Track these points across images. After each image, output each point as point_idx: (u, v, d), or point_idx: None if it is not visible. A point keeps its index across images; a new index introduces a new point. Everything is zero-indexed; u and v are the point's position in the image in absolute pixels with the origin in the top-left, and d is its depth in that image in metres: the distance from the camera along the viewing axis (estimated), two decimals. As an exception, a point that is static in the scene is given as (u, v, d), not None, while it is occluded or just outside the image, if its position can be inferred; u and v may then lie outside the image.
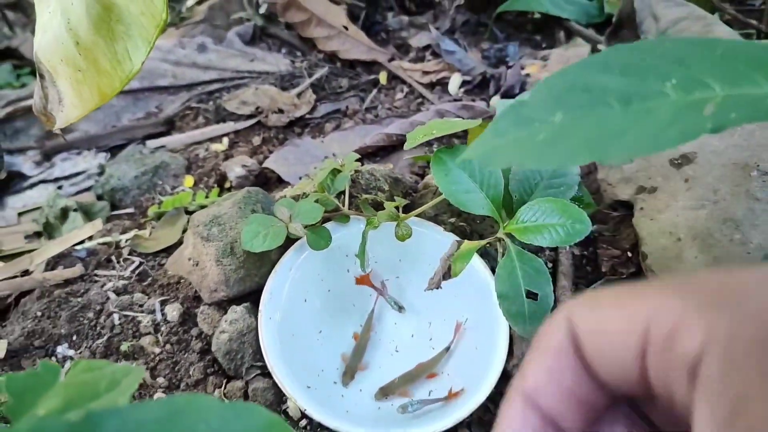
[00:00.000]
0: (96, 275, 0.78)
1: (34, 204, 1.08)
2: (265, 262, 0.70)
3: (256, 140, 1.08)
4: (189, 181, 1.01)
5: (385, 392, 0.67)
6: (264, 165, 1.00)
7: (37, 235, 1.01)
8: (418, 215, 0.74)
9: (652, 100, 0.41)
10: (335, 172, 0.74)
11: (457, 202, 0.65)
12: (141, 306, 0.72)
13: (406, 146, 0.67)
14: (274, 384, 0.63)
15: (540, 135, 0.45)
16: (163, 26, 0.43)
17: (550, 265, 0.74)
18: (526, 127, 0.43)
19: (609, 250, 0.75)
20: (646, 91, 0.41)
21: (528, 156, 0.46)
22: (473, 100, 1.15)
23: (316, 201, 0.71)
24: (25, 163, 1.18)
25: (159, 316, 0.70)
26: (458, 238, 0.67)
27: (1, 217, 1.06)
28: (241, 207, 0.72)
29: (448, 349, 0.71)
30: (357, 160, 0.77)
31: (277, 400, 0.65)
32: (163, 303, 0.72)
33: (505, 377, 0.67)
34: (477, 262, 0.71)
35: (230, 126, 1.11)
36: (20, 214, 1.06)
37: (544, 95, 0.44)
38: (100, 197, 1.04)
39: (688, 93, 0.41)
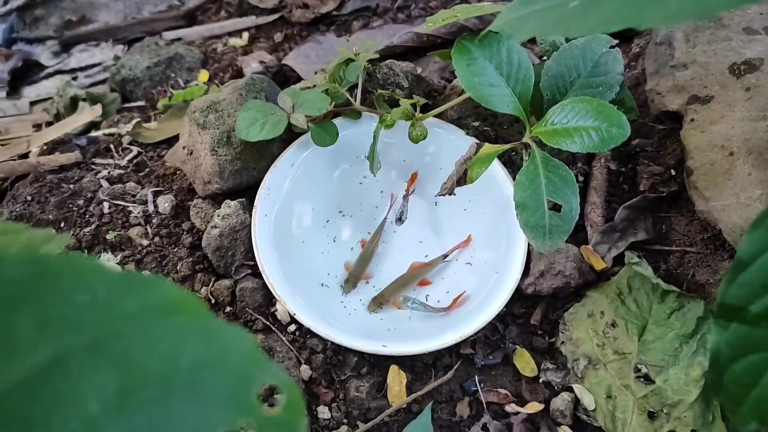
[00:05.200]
0: (94, 163, 0.74)
1: (48, 94, 1.04)
2: (264, 156, 0.64)
3: (278, 37, 1.00)
4: (204, 75, 0.95)
5: (378, 302, 0.62)
6: (283, 62, 0.92)
7: (48, 124, 0.97)
8: (438, 116, 0.67)
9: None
10: (348, 61, 0.67)
11: (478, 97, 0.57)
12: (133, 196, 0.67)
13: (424, 28, 0.58)
14: (264, 285, 0.58)
15: (573, 1, 0.39)
16: None
17: (581, 179, 0.66)
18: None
19: (650, 167, 0.67)
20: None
21: (556, 24, 0.39)
22: None
23: (325, 92, 0.64)
24: (42, 54, 1.14)
25: (151, 207, 0.65)
26: (478, 141, 0.60)
27: (14, 106, 1.02)
28: (242, 94, 0.65)
29: (445, 256, 0.65)
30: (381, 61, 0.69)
31: (266, 302, 0.60)
32: (156, 194, 0.67)
33: (518, 296, 0.60)
34: (498, 170, 0.64)
35: (251, 20, 1.03)
36: (32, 104, 1.03)
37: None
38: (114, 90, 0.99)
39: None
